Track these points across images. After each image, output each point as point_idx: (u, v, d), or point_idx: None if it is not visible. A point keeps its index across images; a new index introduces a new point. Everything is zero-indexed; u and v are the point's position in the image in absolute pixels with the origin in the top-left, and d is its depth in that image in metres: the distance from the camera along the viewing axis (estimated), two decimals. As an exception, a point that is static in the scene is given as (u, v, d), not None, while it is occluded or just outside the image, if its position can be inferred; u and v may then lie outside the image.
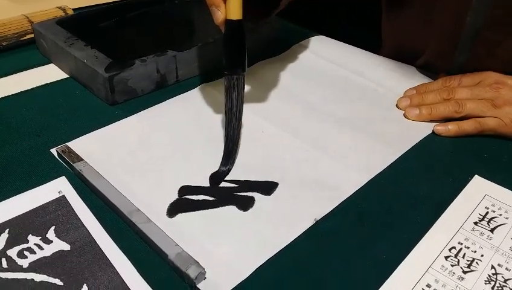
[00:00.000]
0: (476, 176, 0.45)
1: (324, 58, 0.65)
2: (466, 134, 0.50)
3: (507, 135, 0.49)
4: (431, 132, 0.51)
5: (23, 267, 0.35)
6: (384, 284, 0.35)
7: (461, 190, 0.44)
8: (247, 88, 0.57)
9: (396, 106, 0.55)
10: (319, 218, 0.40)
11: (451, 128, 0.50)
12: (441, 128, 0.50)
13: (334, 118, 0.53)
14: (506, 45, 0.52)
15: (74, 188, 0.42)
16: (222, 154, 0.46)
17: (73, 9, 0.71)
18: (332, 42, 0.70)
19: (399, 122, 0.53)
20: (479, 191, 0.44)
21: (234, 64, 0.46)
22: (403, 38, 0.65)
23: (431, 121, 0.52)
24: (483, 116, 0.50)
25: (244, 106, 0.54)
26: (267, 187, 0.43)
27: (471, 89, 0.52)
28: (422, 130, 0.51)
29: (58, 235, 0.37)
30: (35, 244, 0.36)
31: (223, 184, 0.43)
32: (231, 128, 0.46)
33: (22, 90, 0.56)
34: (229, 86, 0.46)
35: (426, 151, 0.49)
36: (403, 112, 0.54)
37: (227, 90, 0.46)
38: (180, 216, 0.40)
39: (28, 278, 0.34)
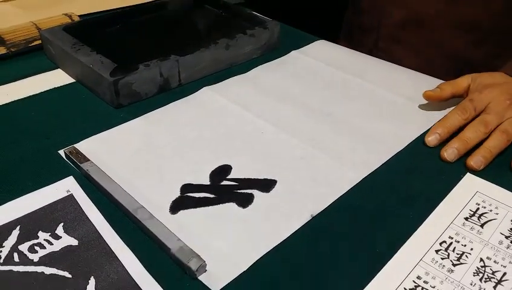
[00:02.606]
0: (468, 173, 0.47)
1: (323, 62, 0.66)
2: None
3: None
4: (424, 131, 0.52)
5: (34, 261, 0.37)
6: (376, 276, 0.37)
7: (453, 187, 0.45)
8: (246, 92, 0.59)
9: (441, 158, 0.49)
10: (315, 214, 0.42)
11: None
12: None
13: (331, 117, 0.55)
14: None
15: (81, 187, 0.44)
16: (222, 154, 0.48)
17: (79, 16, 0.73)
18: (331, 46, 0.72)
19: (394, 121, 0.54)
20: (470, 188, 0.45)
21: None
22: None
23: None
24: None
25: (244, 108, 0.56)
26: (266, 185, 0.45)
27: (494, 113, 0.51)
28: (417, 129, 0.53)
29: (66, 231, 0.39)
30: (45, 239, 0.38)
31: (223, 182, 0.45)
32: None
33: (31, 94, 0.59)
34: None
35: (420, 150, 0.50)
36: (398, 111, 0.56)
37: None
38: (182, 213, 0.42)
39: (38, 271, 0.36)
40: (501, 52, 0.72)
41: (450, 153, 0.49)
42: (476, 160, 0.48)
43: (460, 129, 0.51)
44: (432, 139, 0.51)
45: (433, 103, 0.57)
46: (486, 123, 0.50)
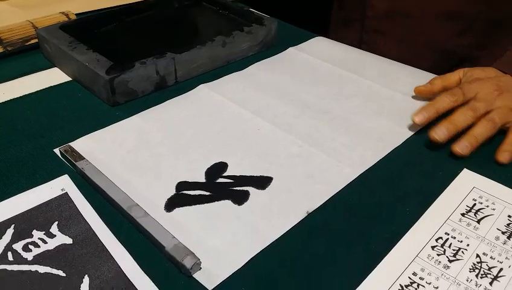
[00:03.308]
0: (464, 169, 0.47)
1: (320, 58, 0.66)
2: None
3: None
4: (421, 127, 0.52)
5: (28, 259, 0.36)
6: (372, 272, 0.36)
7: (450, 183, 0.45)
8: (243, 89, 0.59)
9: (434, 140, 0.49)
10: (311, 211, 0.42)
11: (511, 150, 0.49)
12: (506, 156, 0.48)
13: (328, 114, 0.55)
14: None
15: (76, 186, 0.43)
16: (218, 152, 0.48)
17: (76, 14, 0.73)
18: (328, 42, 0.71)
19: (391, 117, 0.54)
20: (467, 183, 0.45)
21: None
22: None
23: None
24: (509, 121, 0.51)
25: (240, 105, 0.56)
26: (262, 182, 0.45)
27: (483, 101, 0.51)
28: (414, 125, 0.53)
29: (61, 230, 0.39)
30: (39, 238, 0.38)
31: (219, 180, 0.45)
32: None
33: (27, 93, 0.58)
34: None
35: (416, 146, 0.50)
36: (395, 107, 0.55)
37: None
38: (178, 210, 0.41)
39: (32, 270, 0.36)
40: (486, 43, 0.72)
41: (439, 133, 0.49)
42: (462, 146, 0.48)
43: (449, 113, 0.51)
44: (419, 118, 0.51)
45: (429, 99, 0.56)
46: (474, 108, 0.51)
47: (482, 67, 0.56)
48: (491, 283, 0.36)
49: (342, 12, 0.86)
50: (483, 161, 0.48)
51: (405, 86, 0.60)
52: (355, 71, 0.63)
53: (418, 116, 0.51)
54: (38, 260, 0.36)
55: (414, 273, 0.36)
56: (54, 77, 0.62)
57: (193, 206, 0.42)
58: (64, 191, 0.43)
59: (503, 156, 0.48)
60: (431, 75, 0.62)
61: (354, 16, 0.82)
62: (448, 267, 0.37)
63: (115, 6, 0.78)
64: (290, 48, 0.69)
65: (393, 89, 0.59)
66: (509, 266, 0.37)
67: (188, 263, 0.35)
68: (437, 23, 0.72)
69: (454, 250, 0.38)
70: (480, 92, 0.52)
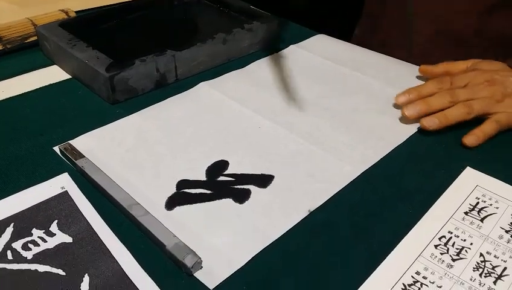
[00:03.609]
0: (467, 167, 0.46)
1: (321, 56, 0.66)
2: (489, 137, 0.49)
3: None
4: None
5: (28, 258, 0.36)
6: (375, 271, 0.36)
7: (452, 181, 0.45)
8: (244, 87, 0.59)
9: (404, 116, 0.52)
10: (313, 209, 0.41)
11: (479, 135, 0.49)
12: (471, 139, 0.49)
13: (329, 112, 0.54)
14: None
15: (76, 184, 0.43)
16: (219, 150, 0.48)
17: (75, 11, 0.73)
18: (330, 40, 0.71)
19: (393, 116, 0.54)
20: (470, 182, 0.45)
21: None
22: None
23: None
24: (491, 112, 0.50)
25: (241, 103, 0.56)
26: (263, 180, 0.44)
27: (467, 88, 0.52)
28: (415, 123, 0.52)
29: (60, 229, 0.39)
30: (39, 237, 0.38)
31: (220, 178, 0.45)
32: None
33: (27, 90, 0.58)
34: None
35: (418, 144, 0.50)
36: (396, 106, 0.55)
37: None
38: (178, 209, 0.41)
39: (32, 269, 0.35)
40: None
41: (410, 109, 0.51)
42: (429, 120, 0.50)
43: None
44: (401, 98, 0.53)
45: None
46: (452, 94, 0.51)
47: (491, 61, 0.56)
48: (494, 282, 0.35)
49: (378, 36, 0.77)
50: (487, 159, 0.48)
51: (407, 84, 0.59)
52: (357, 69, 0.63)
53: (401, 97, 0.54)
54: (38, 258, 0.36)
55: (417, 273, 0.36)
56: (53, 74, 0.61)
57: (194, 204, 0.42)
58: (64, 190, 0.42)
59: (468, 139, 0.49)
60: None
61: (396, 41, 0.74)
62: (451, 266, 0.37)
63: (114, 4, 0.77)
64: (291, 45, 0.68)
65: (395, 87, 0.58)
66: (513, 265, 0.37)
67: (188, 261, 0.35)
68: (491, 51, 0.65)
69: (457, 249, 0.38)
70: (472, 81, 0.52)
